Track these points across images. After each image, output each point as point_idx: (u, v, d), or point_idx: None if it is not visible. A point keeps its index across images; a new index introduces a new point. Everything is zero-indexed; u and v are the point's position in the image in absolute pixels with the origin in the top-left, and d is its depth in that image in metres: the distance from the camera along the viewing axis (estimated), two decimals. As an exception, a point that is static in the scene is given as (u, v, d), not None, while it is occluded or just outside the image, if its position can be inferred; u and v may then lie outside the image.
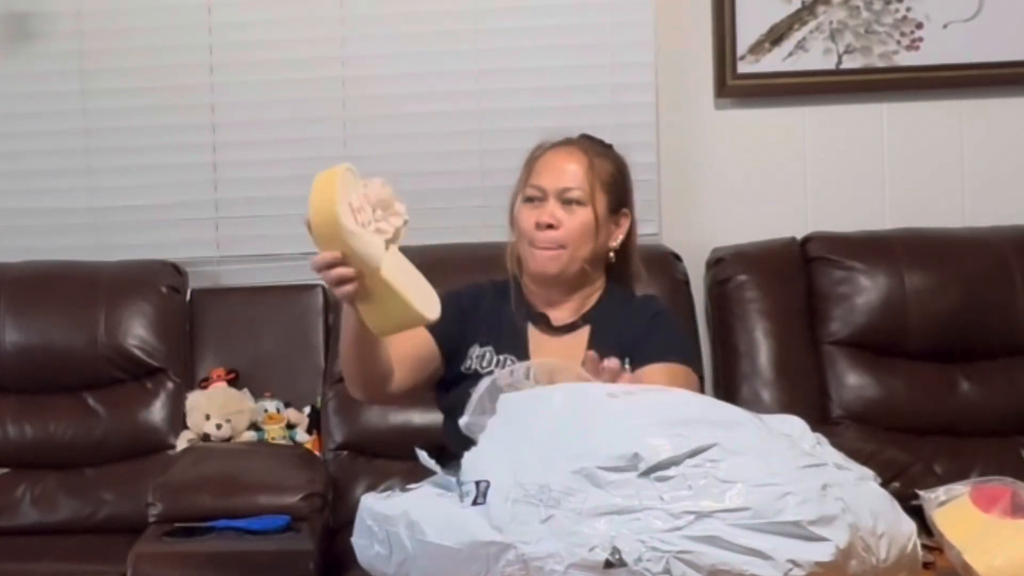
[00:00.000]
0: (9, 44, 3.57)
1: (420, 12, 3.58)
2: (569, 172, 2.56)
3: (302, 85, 3.58)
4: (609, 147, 2.67)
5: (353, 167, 2.14)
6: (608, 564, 1.78)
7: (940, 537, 2.30)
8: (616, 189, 2.62)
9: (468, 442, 2.05)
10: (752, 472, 1.82)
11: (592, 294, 2.62)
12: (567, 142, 2.63)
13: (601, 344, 2.45)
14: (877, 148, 3.64)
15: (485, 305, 2.62)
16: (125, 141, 3.60)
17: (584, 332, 2.57)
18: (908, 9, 3.57)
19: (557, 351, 2.53)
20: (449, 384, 2.56)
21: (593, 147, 2.63)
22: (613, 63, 3.57)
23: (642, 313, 2.60)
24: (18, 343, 3.37)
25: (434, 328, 2.44)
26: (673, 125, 3.61)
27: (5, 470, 3.33)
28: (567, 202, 2.55)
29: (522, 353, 2.53)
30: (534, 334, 2.59)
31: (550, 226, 2.53)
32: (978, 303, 3.33)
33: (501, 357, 2.54)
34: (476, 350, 2.56)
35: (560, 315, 2.60)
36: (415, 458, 2.16)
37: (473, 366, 2.55)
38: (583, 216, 2.55)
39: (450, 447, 2.17)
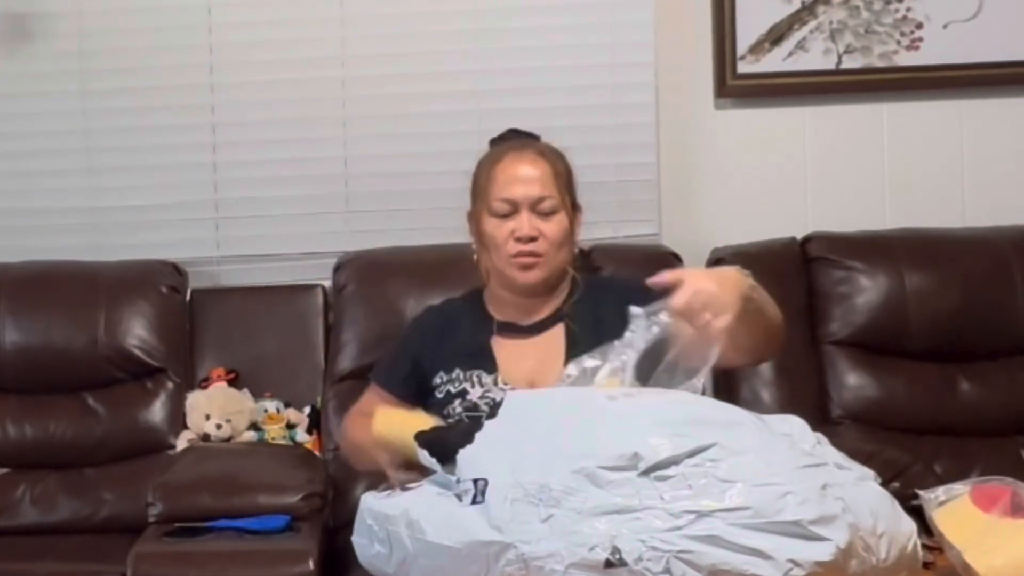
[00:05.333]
0: (9, 44, 3.56)
1: (420, 12, 3.57)
2: (537, 180, 2.54)
3: (302, 85, 3.57)
4: (537, 139, 2.65)
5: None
6: (608, 564, 1.78)
7: (940, 537, 2.30)
8: (572, 186, 2.62)
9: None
10: (752, 472, 1.82)
11: (564, 289, 2.62)
12: (518, 145, 2.60)
13: (580, 334, 2.46)
14: (877, 148, 3.63)
15: (443, 330, 2.62)
16: (125, 141, 3.60)
17: (558, 329, 2.56)
18: (908, 9, 3.56)
19: (531, 352, 2.54)
20: (430, 407, 2.54)
21: (545, 146, 2.62)
22: (613, 63, 3.57)
23: (612, 287, 2.58)
24: (18, 343, 3.36)
25: (398, 392, 2.55)
26: (673, 125, 3.60)
27: (5, 470, 3.33)
28: (541, 212, 2.53)
29: (490, 366, 2.54)
30: (502, 344, 2.58)
31: (532, 239, 2.52)
32: (978, 303, 3.33)
33: (469, 373, 2.54)
34: (443, 376, 2.56)
35: (536, 318, 2.59)
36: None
37: (446, 388, 2.55)
38: (559, 223, 2.54)
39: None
